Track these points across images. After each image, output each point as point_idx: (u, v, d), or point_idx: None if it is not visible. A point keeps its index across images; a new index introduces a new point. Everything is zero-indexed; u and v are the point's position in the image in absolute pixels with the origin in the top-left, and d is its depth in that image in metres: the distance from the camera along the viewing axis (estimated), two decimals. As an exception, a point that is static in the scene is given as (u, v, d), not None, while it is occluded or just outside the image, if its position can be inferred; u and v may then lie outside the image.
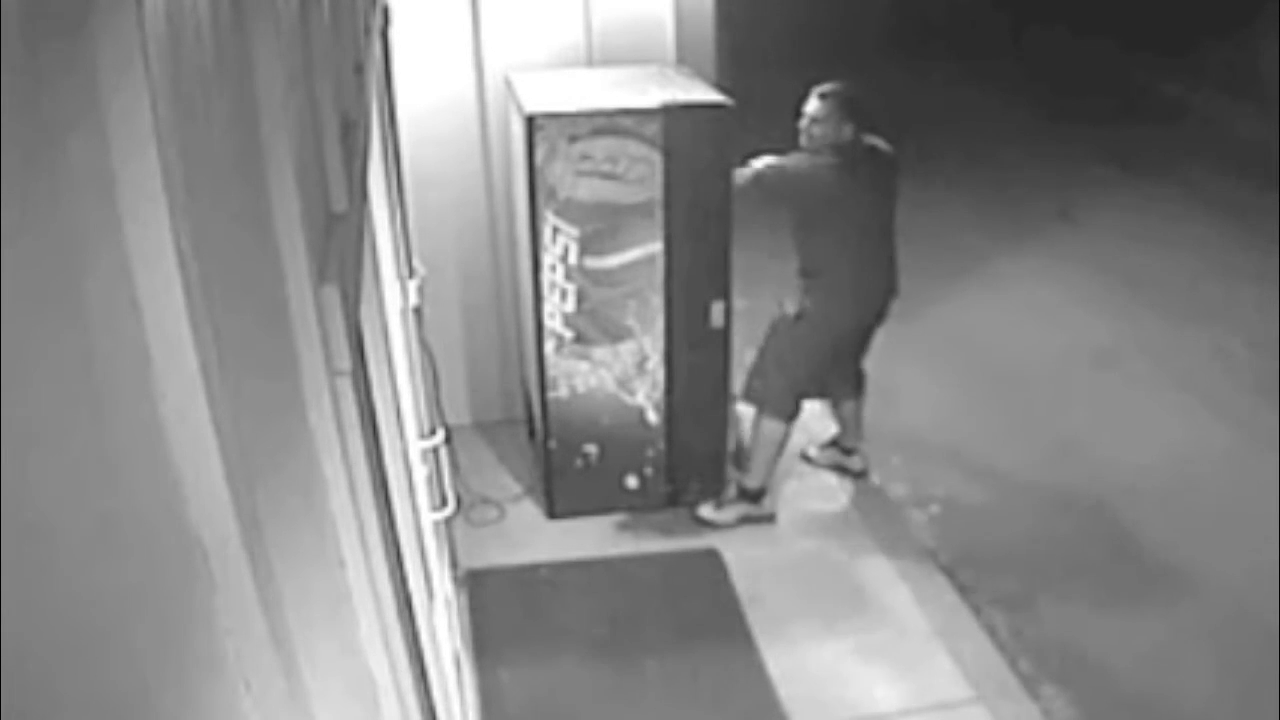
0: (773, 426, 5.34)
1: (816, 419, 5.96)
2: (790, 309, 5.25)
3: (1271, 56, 11.45)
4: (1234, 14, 12.45)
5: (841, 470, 5.80)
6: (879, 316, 5.36)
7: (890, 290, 5.31)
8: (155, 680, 0.81)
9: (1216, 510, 5.63)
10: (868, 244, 5.16)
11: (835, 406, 5.76)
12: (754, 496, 5.43)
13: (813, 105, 5.07)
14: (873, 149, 5.13)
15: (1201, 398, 6.64)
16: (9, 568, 0.58)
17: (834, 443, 5.83)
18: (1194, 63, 12.53)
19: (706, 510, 5.46)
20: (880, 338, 5.50)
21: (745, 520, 5.42)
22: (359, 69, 2.75)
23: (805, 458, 5.89)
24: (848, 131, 5.02)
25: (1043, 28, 15.09)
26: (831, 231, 5.09)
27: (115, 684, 0.74)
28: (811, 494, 5.72)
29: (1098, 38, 14.24)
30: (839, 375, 5.57)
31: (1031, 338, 7.45)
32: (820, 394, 5.68)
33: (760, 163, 5.09)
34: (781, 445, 5.40)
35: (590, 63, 5.73)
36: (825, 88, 5.09)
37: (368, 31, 3.29)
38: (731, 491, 5.47)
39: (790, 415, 5.34)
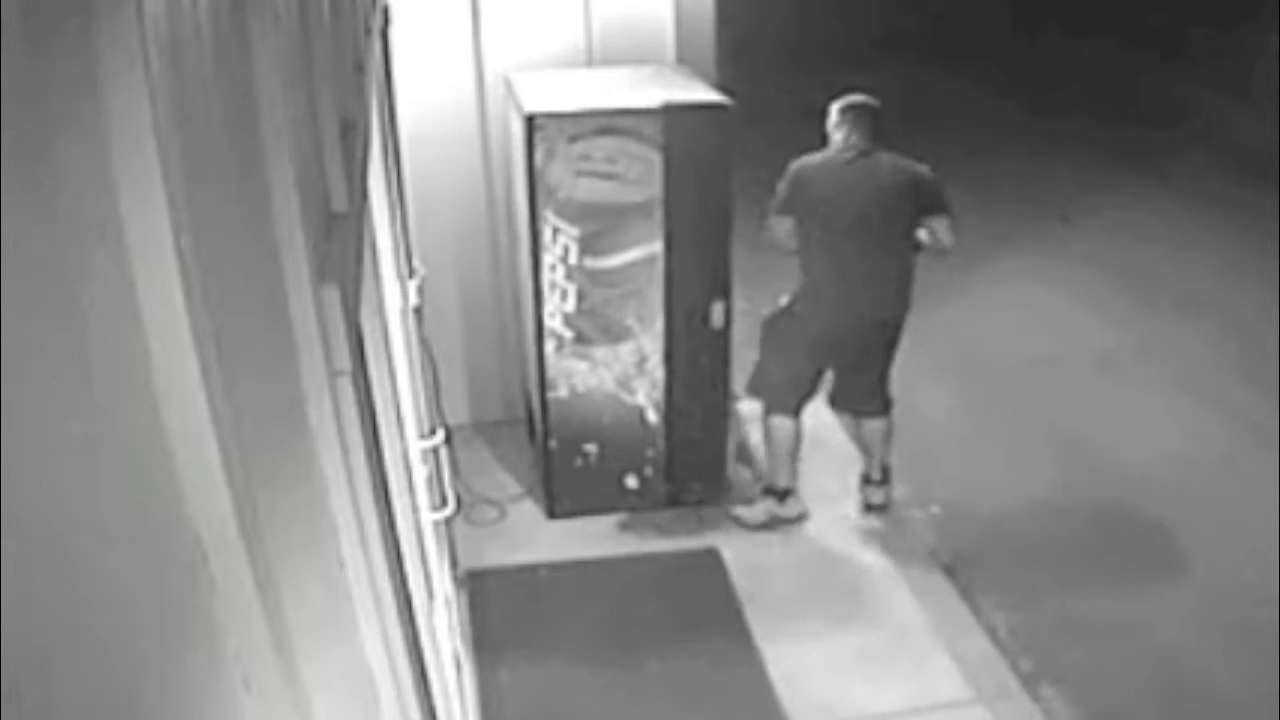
0: (778, 423, 5.33)
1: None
2: (784, 302, 5.27)
3: (1271, 57, 11.45)
4: (1234, 14, 12.45)
5: (865, 504, 5.57)
6: (883, 332, 5.25)
7: (891, 307, 5.21)
8: (155, 680, 0.81)
9: (1215, 503, 5.63)
10: (863, 252, 5.08)
11: (857, 426, 5.57)
12: (780, 495, 5.43)
13: (832, 114, 5.11)
14: (895, 164, 5.09)
15: (1200, 396, 6.64)
16: (9, 568, 0.58)
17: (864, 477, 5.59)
18: (1194, 63, 12.52)
19: (739, 509, 5.47)
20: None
21: (775, 520, 5.43)
22: (359, 69, 2.75)
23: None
24: (856, 141, 5.04)
25: (1044, 28, 15.08)
26: (824, 229, 5.08)
27: (115, 684, 0.74)
28: (812, 493, 5.71)
29: (1098, 38, 14.24)
30: (849, 386, 5.44)
31: (1030, 337, 7.45)
32: (838, 405, 5.58)
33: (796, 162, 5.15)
34: (793, 441, 5.37)
35: (590, 63, 5.73)
36: (843, 100, 5.12)
37: (368, 31, 3.30)
38: (759, 490, 5.46)
39: (791, 410, 5.31)
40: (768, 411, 5.36)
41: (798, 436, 5.37)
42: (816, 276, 5.16)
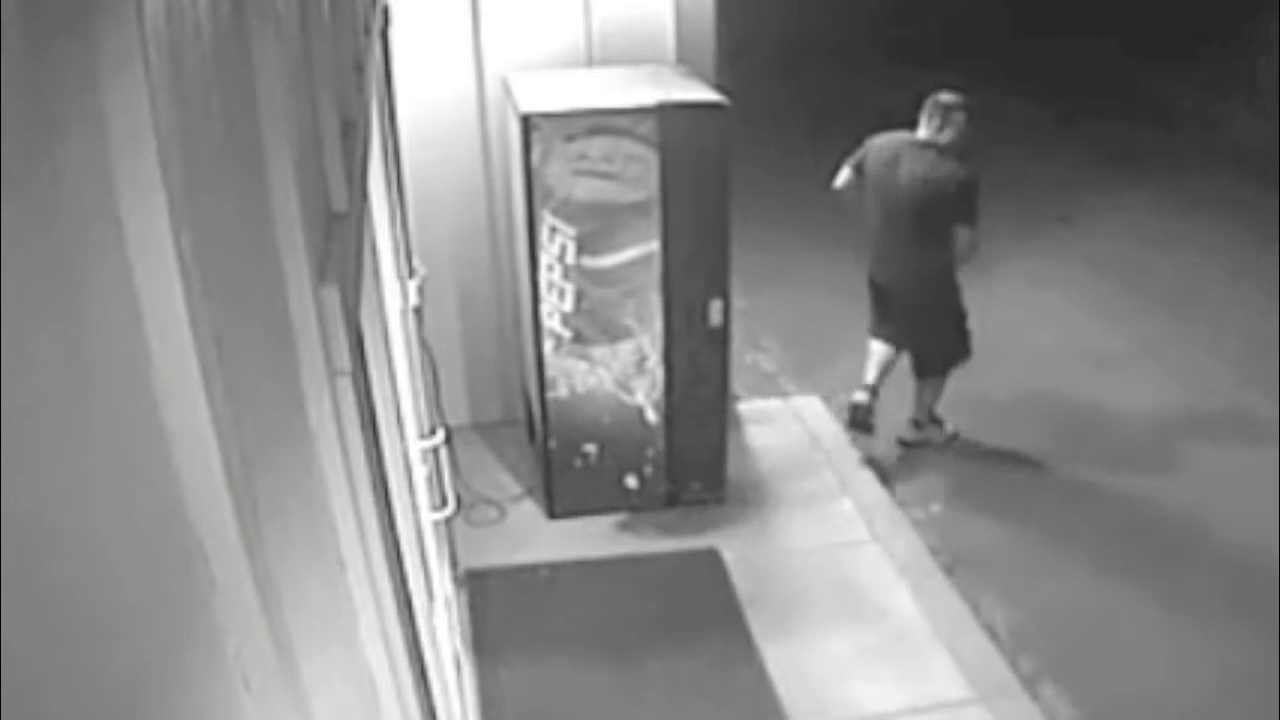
0: (872, 344, 6.03)
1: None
2: None
3: (1272, 57, 11.44)
4: (1235, 14, 12.45)
5: (899, 439, 6.16)
6: (921, 305, 5.80)
7: (919, 286, 5.77)
8: (155, 680, 0.81)
9: (1215, 502, 5.64)
10: (895, 230, 5.68)
11: (918, 376, 6.10)
12: (868, 389, 5.98)
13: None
14: (941, 162, 5.56)
15: (1200, 396, 6.64)
16: (9, 568, 0.58)
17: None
18: (1195, 63, 12.52)
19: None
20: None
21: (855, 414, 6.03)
22: (359, 69, 2.75)
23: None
24: (923, 131, 5.63)
25: (1045, 29, 15.08)
26: (872, 201, 5.77)
27: (116, 683, 0.74)
28: (811, 493, 5.72)
29: (1099, 39, 14.23)
30: (911, 345, 5.95)
31: (1031, 337, 7.45)
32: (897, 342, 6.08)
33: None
34: (883, 358, 5.97)
35: (590, 63, 5.73)
36: (940, 94, 5.73)
37: (368, 31, 3.30)
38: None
39: (879, 336, 5.97)
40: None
41: (888, 357, 5.97)
42: (868, 238, 5.90)
